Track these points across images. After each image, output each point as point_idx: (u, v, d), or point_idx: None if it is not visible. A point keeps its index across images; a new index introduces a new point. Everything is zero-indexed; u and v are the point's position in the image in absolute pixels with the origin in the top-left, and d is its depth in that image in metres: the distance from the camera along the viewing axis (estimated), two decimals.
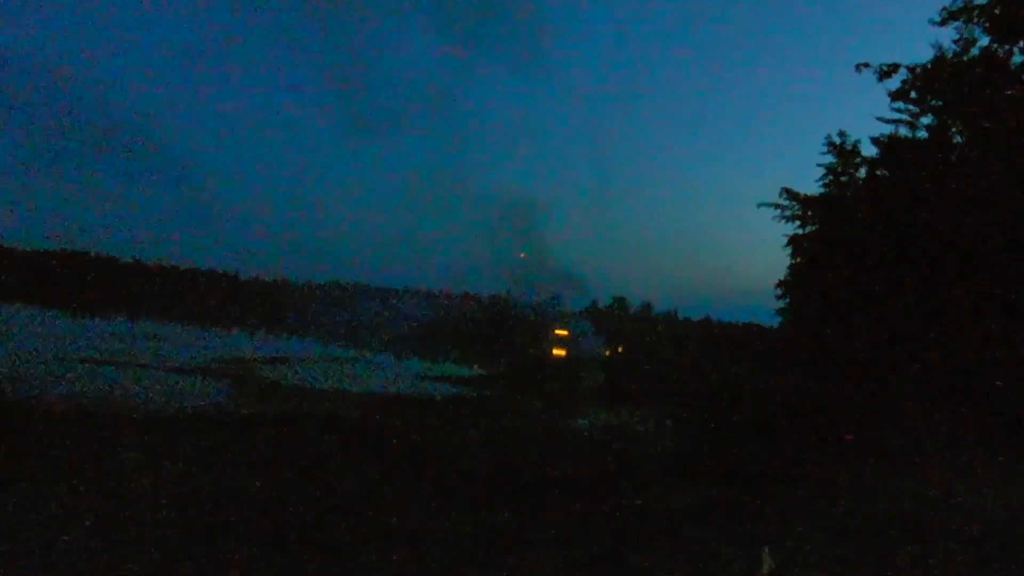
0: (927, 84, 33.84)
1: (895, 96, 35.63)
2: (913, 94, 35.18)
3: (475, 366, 58.07)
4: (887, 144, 38.52)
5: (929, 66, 33.25)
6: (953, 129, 34.37)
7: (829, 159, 45.44)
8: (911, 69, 34.10)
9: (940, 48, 32.60)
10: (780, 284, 53.18)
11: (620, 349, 70.05)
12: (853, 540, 11.50)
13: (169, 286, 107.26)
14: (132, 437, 16.53)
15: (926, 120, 35.94)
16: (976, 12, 30.23)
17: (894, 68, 34.30)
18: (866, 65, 34.71)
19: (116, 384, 28.55)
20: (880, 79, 34.65)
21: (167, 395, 27.16)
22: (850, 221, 38.40)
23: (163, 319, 78.77)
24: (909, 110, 36.30)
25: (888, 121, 37.67)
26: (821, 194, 46.48)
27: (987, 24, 30.11)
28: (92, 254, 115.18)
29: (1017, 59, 29.57)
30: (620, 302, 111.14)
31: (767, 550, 10.36)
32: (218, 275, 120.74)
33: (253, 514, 11.05)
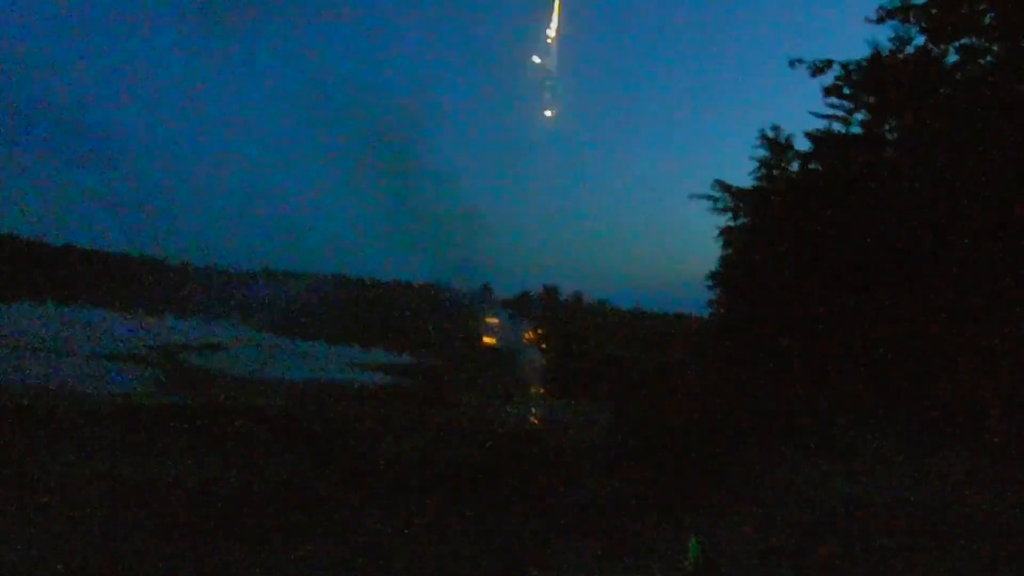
0: (862, 81, 34.18)
1: (828, 92, 35.88)
2: (847, 90, 35.52)
3: (405, 354, 57.97)
4: (820, 139, 38.87)
5: (864, 63, 33.60)
6: (886, 126, 34.79)
7: (763, 152, 45.58)
8: (844, 66, 34.42)
9: (876, 46, 32.98)
10: (712, 276, 53.49)
11: (545, 338, 70.00)
12: (779, 532, 11.56)
13: (99, 271, 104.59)
14: (59, 425, 16.06)
15: (859, 116, 36.32)
16: (913, 11, 30.57)
17: (827, 64, 34.47)
18: (799, 61, 34.90)
19: (45, 372, 27.76)
20: (813, 74, 34.77)
21: (96, 383, 26.51)
22: (781, 214, 38.70)
23: (93, 305, 76.95)
24: (843, 106, 36.65)
25: (821, 116, 37.92)
26: (754, 187, 46.66)
27: (923, 24, 30.47)
28: (22, 238, 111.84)
29: (951, 58, 30.00)
30: (550, 291, 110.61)
31: (694, 538, 10.40)
32: (149, 260, 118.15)
33: (180, 504, 10.77)
